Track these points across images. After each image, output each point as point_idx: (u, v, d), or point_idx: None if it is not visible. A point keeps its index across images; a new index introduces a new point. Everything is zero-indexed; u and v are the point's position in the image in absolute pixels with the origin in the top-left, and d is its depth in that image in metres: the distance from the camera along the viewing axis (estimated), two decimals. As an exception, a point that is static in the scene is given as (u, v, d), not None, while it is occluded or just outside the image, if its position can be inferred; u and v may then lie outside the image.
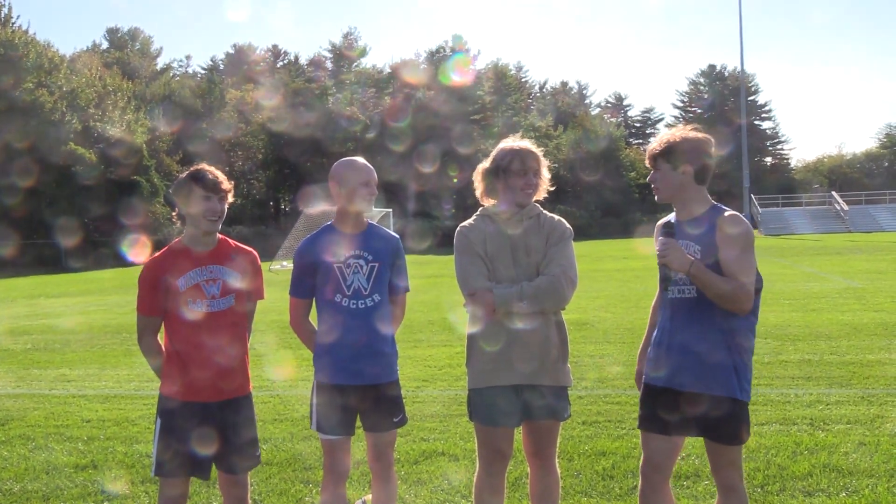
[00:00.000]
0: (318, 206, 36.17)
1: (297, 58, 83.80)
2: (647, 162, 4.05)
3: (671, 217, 4.09)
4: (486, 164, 4.33)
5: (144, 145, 56.71)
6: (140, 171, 54.07)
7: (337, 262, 4.39)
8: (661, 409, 3.96)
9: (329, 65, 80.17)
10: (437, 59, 74.88)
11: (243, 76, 74.25)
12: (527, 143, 4.29)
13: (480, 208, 4.37)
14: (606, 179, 66.81)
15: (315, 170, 58.59)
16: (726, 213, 3.89)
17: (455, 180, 53.75)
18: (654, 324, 4.23)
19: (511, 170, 4.21)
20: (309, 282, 4.47)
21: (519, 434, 4.38)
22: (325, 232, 4.55)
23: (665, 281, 3.92)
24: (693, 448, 5.97)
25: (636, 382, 4.34)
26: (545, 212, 4.34)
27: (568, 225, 4.33)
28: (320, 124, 62.11)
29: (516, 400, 4.16)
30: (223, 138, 63.87)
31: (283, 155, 63.42)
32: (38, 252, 48.44)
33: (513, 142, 4.31)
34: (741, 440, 3.92)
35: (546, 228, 4.24)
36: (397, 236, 4.66)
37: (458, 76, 66.06)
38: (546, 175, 4.31)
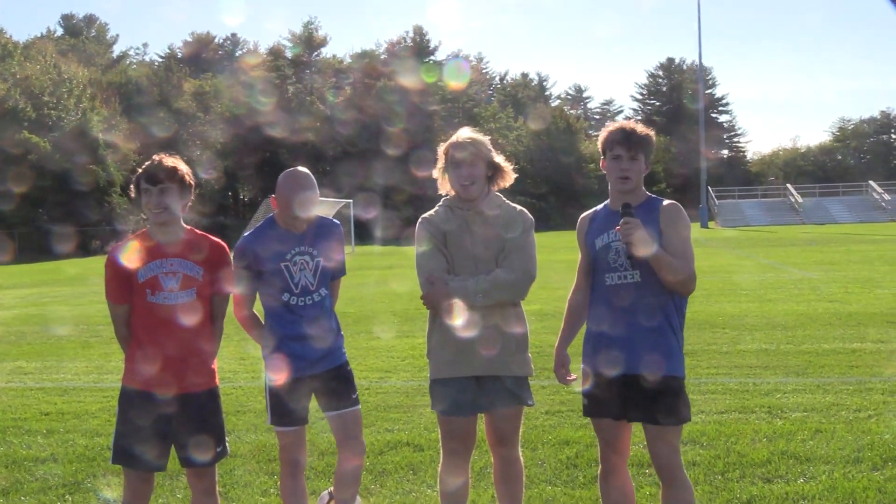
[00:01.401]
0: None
1: (256, 46, 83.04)
2: (620, 149, 3.99)
3: (600, 208, 4.21)
4: (438, 159, 4.33)
5: (100, 134, 55.85)
6: (96, 160, 53.23)
7: (283, 262, 4.39)
8: (608, 395, 4.02)
9: (289, 54, 79.47)
10: (397, 49, 74.61)
11: (202, 64, 73.31)
12: (466, 133, 4.28)
13: (443, 198, 4.37)
14: (566, 170, 67.16)
15: (274, 160, 58.15)
16: (666, 202, 4.06)
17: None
18: (576, 317, 4.29)
19: (451, 163, 4.23)
20: (251, 277, 4.45)
21: (483, 423, 4.41)
22: (267, 227, 4.51)
23: (630, 259, 3.90)
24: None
25: (556, 375, 4.34)
26: (507, 202, 4.34)
27: (529, 216, 4.33)
28: (281, 112, 61.60)
29: (477, 390, 4.18)
30: (181, 127, 63.10)
31: (243, 144, 62.79)
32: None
33: (456, 134, 4.31)
34: (685, 418, 4.01)
35: (507, 219, 4.24)
36: (338, 223, 4.70)
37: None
38: (501, 163, 4.28)
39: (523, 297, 4.24)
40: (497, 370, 4.17)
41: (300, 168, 4.53)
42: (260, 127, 60.15)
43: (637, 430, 4.32)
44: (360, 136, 59.97)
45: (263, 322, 4.59)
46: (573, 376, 4.28)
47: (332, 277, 4.58)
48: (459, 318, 4.10)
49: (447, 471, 4.34)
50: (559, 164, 66.77)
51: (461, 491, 4.37)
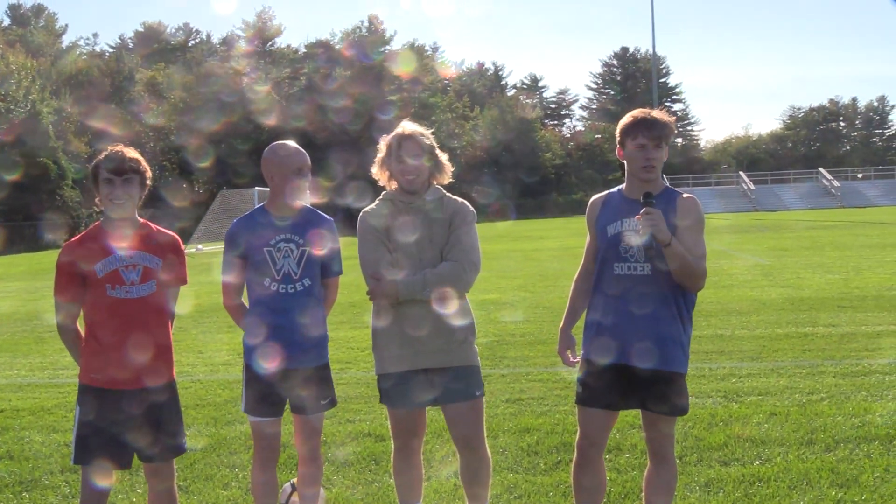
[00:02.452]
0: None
1: (209, 36, 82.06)
2: (645, 138, 3.90)
3: (615, 192, 4.14)
4: (381, 151, 4.32)
5: (51, 126, 54.82)
6: (47, 152, 52.25)
7: (266, 246, 4.35)
8: (607, 385, 4.00)
9: (243, 44, 78.66)
10: (352, 38, 74.20)
11: (153, 55, 72.28)
12: (410, 127, 4.27)
13: (383, 192, 4.36)
14: (522, 160, 67.43)
15: (229, 153, 57.61)
16: (685, 195, 3.99)
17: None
18: (581, 300, 4.25)
19: (394, 156, 4.22)
20: (239, 262, 4.42)
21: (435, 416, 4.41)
22: (256, 214, 4.49)
23: (648, 251, 3.82)
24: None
25: (561, 357, 4.31)
26: (448, 194, 4.34)
27: (471, 207, 4.33)
28: (235, 105, 60.99)
29: (425, 383, 4.19)
30: (134, 119, 62.19)
31: (197, 136, 62.01)
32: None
33: (399, 127, 4.29)
34: (685, 411, 4.05)
35: (449, 211, 4.24)
36: (330, 219, 4.61)
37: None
38: (442, 158, 4.29)
39: (469, 289, 4.24)
40: (443, 362, 4.18)
41: (290, 143, 4.43)
42: (213, 119, 59.50)
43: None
44: (350, 123, 59.63)
45: None
46: (576, 358, 4.23)
47: (324, 274, 4.49)
48: (404, 311, 4.12)
49: (399, 460, 4.39)
50: (516, 154, 67.02)
51: (415, 479, 4.44)
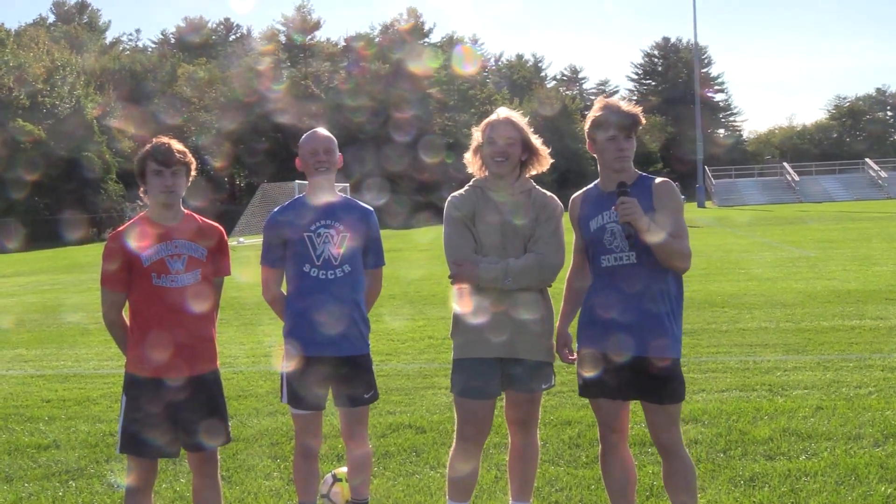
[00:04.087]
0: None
1: (249, 31, 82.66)
2: (614, 130, 3.98)
3: (591, 188, 4.19)
4: (476, 137, 4.29)
5: (95, 121, 55.64)
6: (91, 147, 53.05)
7: (306, 232, 4.36)
8: (605, 375, 4.03)
9: (282, 38, 79.13)
10: (390, 32, 74.28)
11: (195, 50, 72.95)
12: (505, 112, 4.25)
13: (473, 179, 4.34)
14: (562, 152, 67.05)
15: (270, 144, 58.05)
16: (658, 180, 4.06)
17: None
18: (575, 297, 4.30)
19: (484, 141, 4.20)
20: (278, 251, 4.43)
21: (500, 404, 4.38)
22: (295, 202, 4.52)
23: (629, 239, 3.90)
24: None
25: (559, 354, 4.34)
26: (537, 187, 4.30)
27: (559, 202, 4.29)
28: (276, 98, 61.39)
29: (500, 372, 4.16)
30: (177, 113, 62.90)
31: (239, 129, 62.59)
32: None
33: (494, 113, 4.28)
34: (682, 397, 4.04)
35: (537, 204, 4.20)
36: (370, 209, 4.61)
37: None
38: (536, 145, 4.23)
39: (551, 282, 4.21)
40: (518, 353, 4.15)
41: (320, 130, 4.51)
42: (255, 113, 60.03)
43: (636, 409, 4.33)
44: (368, 122, 59.80)
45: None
46: (575, 355, 4.28)
47: (366, 264, 4.51)
48: (485, 298, 4.09)
49: (458, 456, 4.29)
50: (554, 145, 66.57)
51: (470, 478, 4.34)
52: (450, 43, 78.88)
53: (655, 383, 3.95)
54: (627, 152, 4.00)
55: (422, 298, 14.36)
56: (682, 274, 4.03)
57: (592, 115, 4.06)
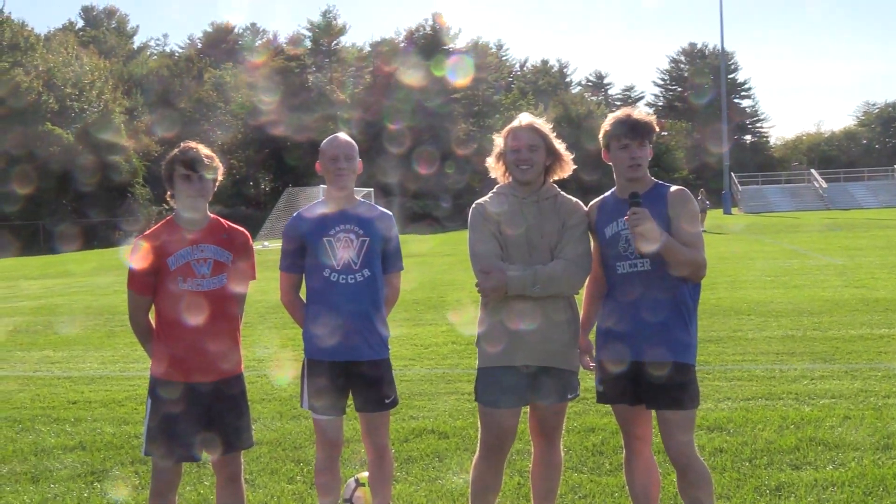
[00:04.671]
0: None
1: (275, 36, 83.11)
2: (628, 138, 3.98)
3: (608, 195, 4.21)
4: (499, 143, 4.27)
5: (122, 125, 56.18)
6: (118, 151, 53.56)
7: (325, 237, 4.36)
8: (622, 382, 4.03)
9: (308, 43, 79.53)
10: (416, 38, 74.38)
11: (222, 54, 73.47)
12: (527, 119, 4.22)
13: (497, 186, 4.31)
14: (587, 158, 66.81)
15: (294, 148, 58.31)
16: (673, 188, 4.06)
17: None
18: (593, 305, 4.30)
19: (507, 147, 4.18)
20: (297, 256, 4.44)
21: (524, 414, 4.36)
22: (315, 207, 4.53)
23: (637, 249, 3.89)
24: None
25: (580, 360, 4.31)
26: (562, 193, 4.27)
27: (585, 208, 4.26)
28: (301, 102, 61.70)
29: (525, 380, 4.12)
30: (202, 118, 63.38)
31: (264, 134, 62.93)
32: (15, 233, 47.92)
33: (516, 118, 4.26)
34: (696, 403, 4.01)
35: (563, 211, 4.17)
36: (390, 213, 4.61)
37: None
38: (560, 150, 4.20)
39: (578, 290, 4.19)
40: (545, 362, 4.12)
41: (341, 135, 4.51)
42: (280, 117, 60.30)
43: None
44: (366, 133, 59.91)
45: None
46: (594, 363, 4.26)
47: (385, 269, 4.51)
48: (512, 306, 4.07)
49: (481, 465, 4.26)
50: (579, 151, 66.36)
51: (493, 487, 4.30)
52: (475, 48, 78.84)
53: (667, 390, 3.92)
54: (640, 160, 4.01)
55: (442, 304, 14.36)
56: (698, 282, 4.02)
57: (606, 124, 4.08)
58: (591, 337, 4.32)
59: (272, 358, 9.84)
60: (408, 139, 57.28)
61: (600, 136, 4.11)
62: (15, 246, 45.02)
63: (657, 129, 4.08)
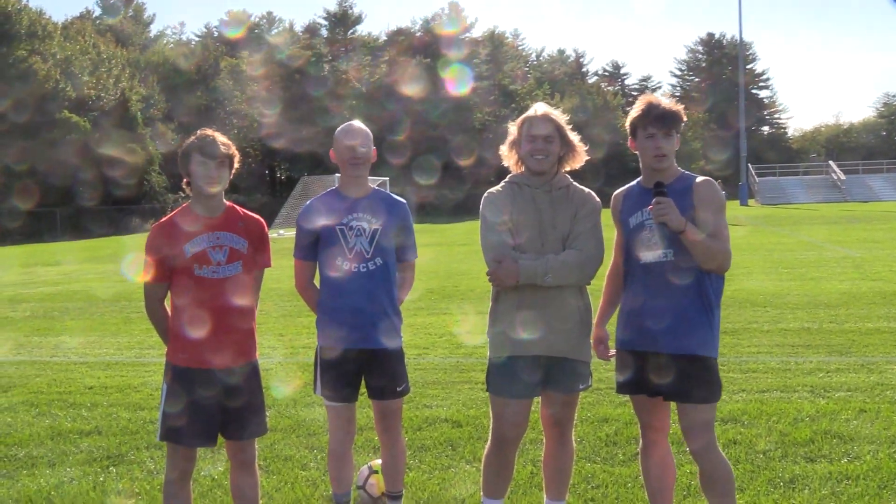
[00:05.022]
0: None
1: (291, 25, 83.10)
2: (654, 127, 3.93)
3: (634, 185, 4.17)
4: (513, 132, 4.25)
5: (139, 113, 56.37)
6: (135, 139, 53.76)
7: (339, 225, 4.37)
8: (641, 372, 4.00)
9: (324, 32, 79.49)
10: (432, 25, 74.18)
11: (238, 43, 73.47)
12: (543, 108, 4.19)
13: (509, 175, 4.30)
14: (604, 149, 66.59)
15: (311, 137, 58.32)
16: (699, 179, 4.00)
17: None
18: (614, 291, 4.26)
19: (523, 136, 4.16)
20: (311, 244, 4.46)
21: (535, 405, 4.35)
22: (329, 196, 4.53)
23: (661, 240, 3.88)
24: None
25: (595, 350, 4.32)
26: (574, 183, 4.25)
27: (597, 199, 4.24)
28: (318, 92, 61.73)
29: (537, 371, 4.12)
30: (219, 106, 63.51)
31: (279, 122, 62.99)
32: (31, 219, 48.21)
33: (532, 108, 4.24)
34: (717, 397, 3.99)
35: (575, 201, 4.16)
36: (404, 202, 4.61)
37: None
38: (574, 141, 4.18)
39: (591, 280, 4.17)
40: (557, 352, 4.11)
41: (356, 123, 4.50)
42: (296, 105, 60.37)
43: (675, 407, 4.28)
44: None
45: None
46: (612, 352, 4.25)
47: (399, 258, 4.52)
48: (523, 296, 4.06)
49: (493, 454, 4.26)
50: (595, 143, 66.11)
51: (504, 476, 4.32)
52: (491, 38, 78.61)
53: (686, 382, 3.90)
54: (665, 150, 3.95)
55: (458, 293, 14.36)
56: (722, 274, 3.97)
57: (633, 111, 4.02)
58: (609, 327, 4.31)
59: (286, 346, 9.88)
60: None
61: (627, 123, 4.07)
62: (31, 233, 45.38)
63: (684, 118, 4.03)
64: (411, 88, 60.50)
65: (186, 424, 4.05)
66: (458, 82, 63.14)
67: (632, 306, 4.06)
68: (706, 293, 3.93)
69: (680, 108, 4.01)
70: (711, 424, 4.00)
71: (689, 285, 3.90)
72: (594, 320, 4.28)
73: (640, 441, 4.25)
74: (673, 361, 3.90)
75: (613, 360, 4.24)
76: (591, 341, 4.31)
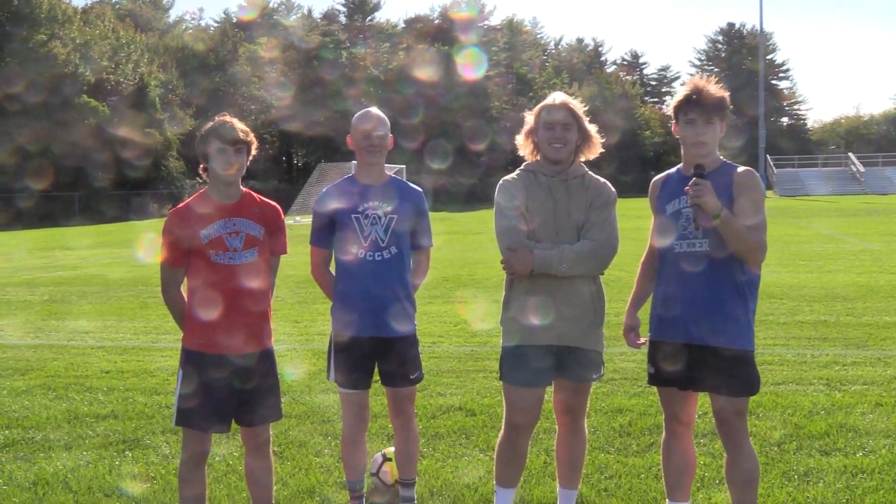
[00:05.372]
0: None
1: (310, 11, 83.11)
2: (694, 113, 3.86)
3: (673, 172, 4.12)
4: (529, 121, 4.23)
5: (157, 98, 56.55)
6: (154, 124, 53.95)
7: (354, 213, 4.37)
8: (673, 364, 3.96)
9: (342, 18, 79.42)
10: (451, 12, 73.93)
11: (257, 29, 73.50)
12: (562, 97, 4.18)
13: (524, 163, 4.29)
14: (622, 138, 66.34)
15: (327, 121, 58.40)
16: (741, 169, 3.92)
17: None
18: (648, 278, 4.22)
19: (541, 124, 4.13)
20: (327, 231, 4.46)
21: (548, 395, 4.35)
22: (345, 182, 4.53)
23: (694, 222, 3.82)
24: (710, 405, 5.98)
25: (626, 338, 4.29)
26: (590, 172, 4.23)
27: (612, 188, 4.22)
28: (334, 80, 61.77)
29: (550, 360, 4.12)
30: (237, 92, 63.63)
31: (294, 105, 62.98)
32: (50, 204, 48.50)
33: (550, 97, 4.21)
34: (754, 390, 3.95)
35: (591, 191, 4.14)
36: (420, 190, 4.60)
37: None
38: (591, 131, 4.17)
39: (605, 270, 4.15)
40: (571, 341, 4.10)
41: (373, 110, 4.49)
42: (313, 92, 60.39)
43: (702, 399, 4.27)
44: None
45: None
46: (642, 340, 4.21)
47: (414, 246, 4.52)
48: (538, 285, 4.04)
49: (506, 443, 4.27)
50: (614, 132, 65.96)
51: (517, 465, 4.32)
52: (509, 26, 78.34)
53: (722, 374, 3.85)
54: (705, 137, 3.87)
55: (473, 282, 14.36)
56: (757, 265, 3.91)
57: (676, 95, 3.95)
58: (641, 315, 4.27)
59: (301, 333, 9.91)
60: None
61: (671, 107, 4.00)
62: (50, 216, 45.66)
63: (729, 105, 3.94)
64: (427, 73, 60.40)
65: (201, 409, 4.06)
66: (474, 66, 62.96)
67: (665, 295, 4.00)
68: (743, 285, 3.88)
69: (725, 94, 3.92)
70: (743, 416, 3.97)
71: (725, 277, 3.85)
72: (606, 308, 4.25)
73: (664, 432, 4.21)
74: (710, 354, 3.85)
75: (642, 348, 4.22)
76: (622, 329, 4.30)
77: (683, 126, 3.91)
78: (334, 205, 4.42)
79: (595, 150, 4.21)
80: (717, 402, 3.93)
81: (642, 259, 4.28)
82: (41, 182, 46.01)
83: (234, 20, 78.69)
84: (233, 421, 4.19)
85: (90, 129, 49.49)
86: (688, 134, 3.89)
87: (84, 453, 5.66)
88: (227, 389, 4.08)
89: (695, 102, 3.85)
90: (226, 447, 5.64)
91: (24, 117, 46.40)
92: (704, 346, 3.86)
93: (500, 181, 4.23)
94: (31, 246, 27.63)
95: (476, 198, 52.94)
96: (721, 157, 3.99)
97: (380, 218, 4.37)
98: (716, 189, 3.74)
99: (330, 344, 4.53)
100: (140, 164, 50.93)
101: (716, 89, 3.89)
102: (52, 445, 5.84)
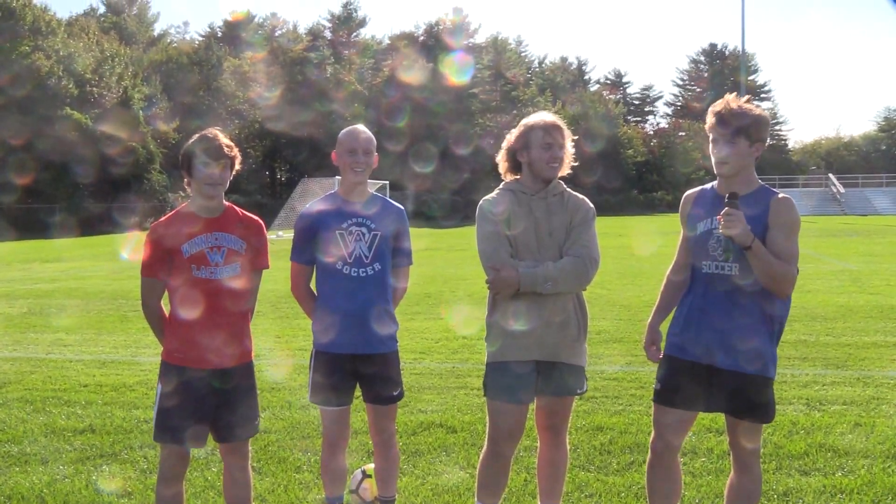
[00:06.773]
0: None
1: (295, 27, 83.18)
2: (717, 129, 3.79)
3: (708, 188, 4.04)
4: (511, 139, 4.25)
5: (141, 112, 56.40)
6: (136, 137, 53.76)
7: (338, 229, 4.37)
8: (687, 384, 3.91)
9: (328, 35, 79.56)
10: (436, 31, 74.24)
11: (241, 44, 73.53)
12: (552, 117, 4.22)
13: (503, 182, 4.31)
14: (604, 157, 66.66)
15: (313, 137, 58.40)
16: (780, 196, 3.80)
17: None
18: (672, 295, 4.17)
19: (537, 144, 4.15)
20: (309, 247, 4.45)
21: (530, 411, 4.35)
22: (328, 199, 4.53)
23: (726, 252, 3.77)
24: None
25: (646, 351, 4.23)
26: (569, 189, 4.27)
27: (591, 205, 4.26)
28: (318, 94, 61.81)
29: (533, 376, 4.12)
30: (220, 106, 63.55)
31: (280, 125, 63.04)
32: (32, 216, 48.19)
33: (538, 116, 4.24)
34: (770, 418, 3.93)
35: (570, 207, 4.17)
36: (402, 207, 4.62)
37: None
38: (570, 150, 4.23)
39: (587, 286, 4.16)
40: (554, 356, 4.12)
41: (360, 127, 4.49)
42: (297, 109, 60.42)
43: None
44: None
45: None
46: (662, 354, 4.15)
47: (395, 262, 4.50)
48: (522, 302, 4.05)
49: (488, 460, 4.26)
50: (596, 151, 66.32)
51: (499, 482, 4.31)
52: (494, 44, 78.70)
53: (741, 400, 3.83)
54: (728, 159, 3.77)
55: (455, 298, 14.35)
56: (784, 297, 3.82)
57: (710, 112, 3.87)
58: (663, 327, 4.22)
59: (282, 348, 9.86)
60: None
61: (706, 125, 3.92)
62: (28, 229, 45.31)
63: (759, 123, 3.79)
64: (413, 87, 60.63)
65: (180, 424, 4.04)
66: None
67: (688, 315, 3.95)
68: (769, 312, 3.81)
69: (755, 114, 3.78)
70: (759, 439, 3.96)
71: (751, 302, 3.78)
72: (589, 323, 4.25)
73: (650, 454, 4.13)
74: (726, 377, 3.81)
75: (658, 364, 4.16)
76: (643, 342, 4.26)
77: (710, 144, 3.86)
78: (317, 221, 4.42)
79: (567, 167, 4.25)
80: (738, 425, 3.91)
81: (668, 272, 4.24)
82: (21, 193, 45.69)
83: (220, 35, 78.68)
84: (210, 436, 4.16)
85: (72, 140, 49.23)
86: (711, 152, 3.83)
87: (61, 467, 5.60)
88: (206, 404, 4.06)
89: (717, 121, 3.80)
90: (204, 462, 5.60)
91: (6, 129, 46.13)
92: (724, 369, 3.81)
93: (481, 201, 4.25)
94: (10, 258, 27.40)
95: (458, 211, 52.80)
96: (759, 181, 3.89)
97: (363, 235, 4.37)
98: (750, 215, 3.66)
99: (311, 360, 4.51)
100: (123, 177, 50.70)
101: (740, 109, 3.78)
102: (29, 459, 5.77)
